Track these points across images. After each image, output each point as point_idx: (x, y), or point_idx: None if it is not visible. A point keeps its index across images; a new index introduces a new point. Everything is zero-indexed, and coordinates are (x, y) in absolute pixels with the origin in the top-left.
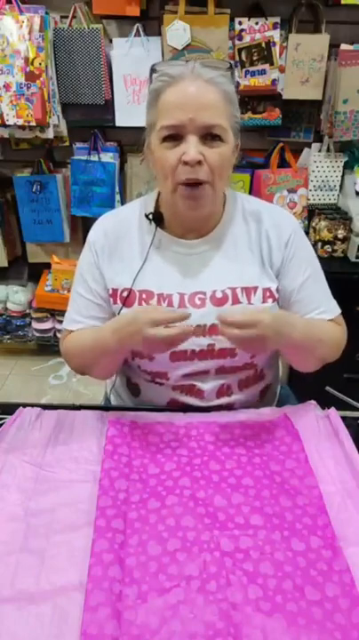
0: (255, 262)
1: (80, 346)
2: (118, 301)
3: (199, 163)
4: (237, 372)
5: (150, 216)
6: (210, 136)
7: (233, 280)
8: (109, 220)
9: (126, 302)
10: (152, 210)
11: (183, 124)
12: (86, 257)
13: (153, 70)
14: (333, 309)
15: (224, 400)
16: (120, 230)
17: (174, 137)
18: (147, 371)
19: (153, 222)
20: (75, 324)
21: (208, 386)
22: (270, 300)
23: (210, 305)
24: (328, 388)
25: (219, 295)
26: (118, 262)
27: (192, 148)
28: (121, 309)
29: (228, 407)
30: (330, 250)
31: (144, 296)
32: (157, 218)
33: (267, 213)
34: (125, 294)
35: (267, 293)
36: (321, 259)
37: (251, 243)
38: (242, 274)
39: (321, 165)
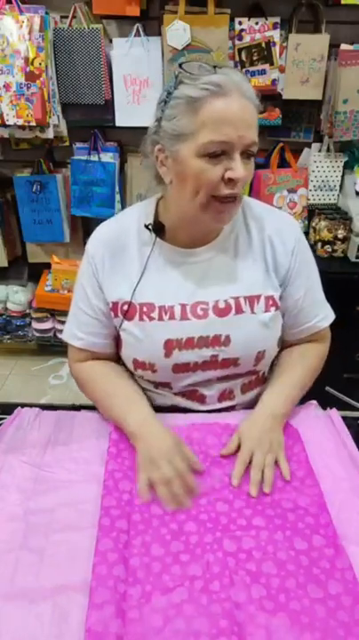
0: (258, 269)
1: (91, 388)
2: (119, 314)
3: (238, 179)
4: (241, 378)
5: (150, 226)
6: (247, 153)
7: (236, 289)
8: (107, 230)
9: (127, 315)
10: (151, 220)
11: (233, 141)
12: (86, 269)
13: (182, 72)
14: (329, 315)
15: (226, 403)
16: (118, 241)
17: (217, 153)
18: (150, 380)
19: (152, 232)
20: (77, 340)
21: (211, 392)
22: (273, 309)
23: (212, 315)
24: (328, 388)
25: (221, 305)
26: (117, 275)
27: (238, 165)
28: (122, 323)
29: (230, 409)
30: (330, 250)
31: (145, 309)
32: (157, 228)
33: (269, 219)
34: (126, 307)
35: (270, 302)
36: (321, 259)
37: (254, 249)
38: (245, 282)
39: (321, 165)
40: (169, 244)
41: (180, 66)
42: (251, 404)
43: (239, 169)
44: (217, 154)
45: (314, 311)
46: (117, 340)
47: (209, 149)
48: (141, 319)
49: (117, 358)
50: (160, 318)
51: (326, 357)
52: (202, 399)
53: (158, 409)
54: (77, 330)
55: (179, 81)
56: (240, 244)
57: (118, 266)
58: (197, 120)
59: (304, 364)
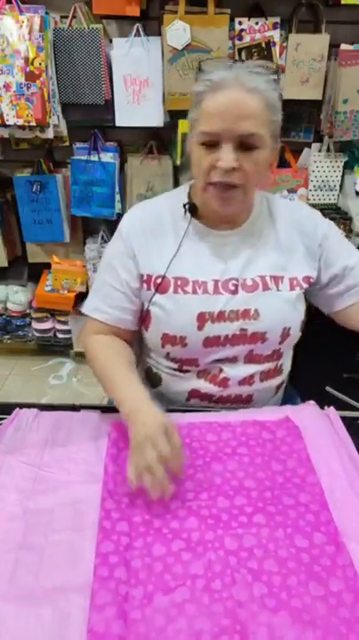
0: (283, 254)
1: (94, 362)
2: (152, 287)
3: (234, 169)
4: (263, 362)
5: (186, 206)
6: (246, 144)
7: (263, 269)
8: (141, 209)
9: (159, 289)
10: (186, 200)
11: (220, 132)
12: (117, 246)
13: (200, 70)
14: None
15: (245, 389)
16: (152, 218)
17: (211, 142)
18: (177, 358)
19: (188, 212)
20: (100, 313)
21: (234, 372)
22: (298, 289)
23: (242, 291)
24: (328, 388)
25: (249, 282)
26: (152, 250)
27: (226, 155)
28: (153, 297)
29: (246, 400)
30: None
31: (179, 282)
32: (191, 208)
33: (297, 210)
34: (159, 281)
35: (294, 282)
36: None
37: (278, 237)
38: (270, 264)
39: (321, 165)
40: (202, 224)
41: (200, 64)
42: (265, 397)
43: (226, 158)
44: (209, 143)
45: None
46: (141, 321)
47: (201, 139)
48: (175, 292)
49: (133, 342)
50: (194, 292)
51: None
52: (224, 383)
53: (170, 402)
54: (102, 303)
55: (196, 77)
56: (266, 229)
57: (153, 242)
58: (199, 112)
59: None
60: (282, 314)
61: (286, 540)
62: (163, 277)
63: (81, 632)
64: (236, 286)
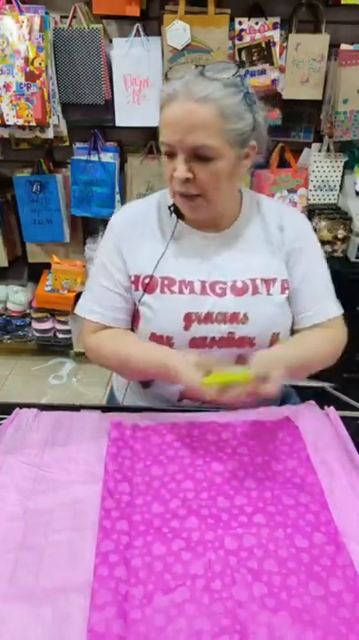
0: (274, 256)
1: (102, 353)
2: (140, 288)
3: (189, 179)
4: None
5: (172, 207)
6: (198, 155)
7: (253, 272)
8: (131, 209)
9: (147, 289)
10: (172, 201)
11: (173, 144)
12: (107, 245)
13: (166, 78)
14: (329, 311)
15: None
16: (141, 219)
17: (170, 152)
18: None
19: (174, 213)
20: (95, 314)
21: None
22: (287, 292)
23: (230, 294)
24: (328, 388)
25: (239, 285)
26: (140, 249)
27: (179, 166)
28: (142, 296)
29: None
30: (330, 250)
31: (166, 282)
32: (177, 209)
33: (285, 214)
34: (147, 281)
35: (285, 284)
36: None
37: (270, 239)
38: (261, 266)
39: (321, 165)
40: (189, 226)
41: (165, 74)
42: (257, 399)
43: (178, 169)
44: (168, 153)
45: (310, 302)
46: (134, 319)
47: (163, 149)
48: (162, 292)
49: None
50: (180, 291)
51: (342, 346)
52: None
53: (162, 402)
54: (95, 304)
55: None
56: (256, 232)
57: (141, 242)
58: (160, 121)
59: (312, 339)
60: (271, 319)
61: (286, 540)
62: (151, 277)
63: (81, 632)
64: (224, 289)
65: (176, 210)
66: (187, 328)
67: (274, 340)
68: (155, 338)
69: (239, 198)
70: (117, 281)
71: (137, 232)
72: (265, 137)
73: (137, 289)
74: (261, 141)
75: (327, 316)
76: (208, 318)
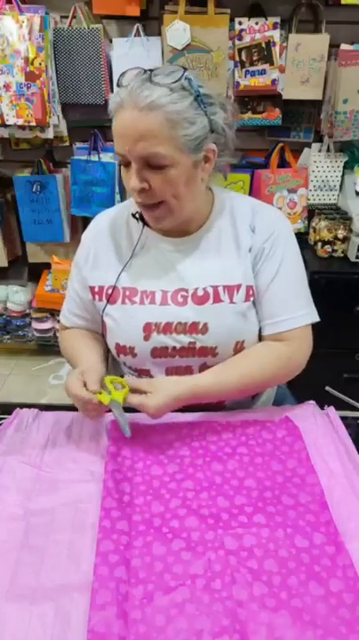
0: (242, 262)
1: (65, 350)
2: (103, 299)
3: (143, 189)
4: None
5: (137, 215)
6: (151, 164)
7: (215, 279)
8: (101, 219)
9: (110, 299)
10: (138, 209)
11: (124, 154)
12: (77, 255)
13: (118, 85)
14: (294, 320)
15: None
16: (111, 229)
17: (125, 162)
18: (133, 367)
19: (139, 221)
20: (64, 318)
21: None
22: (252, 298)
23: (191, 303)
24: (328, 388)
25: (200, 293)
26: (106, 261)
27: (132, 177)
28: (105, 307)
29: (219, 405)
30: (330, 250)
31: (127, 293)
32: (142, 217)
33: (258, 214)
34: (110, 292)
35: (251, 291)
36: (321, 259)
37: (239, 242)
38: (225, 272)
39: (321, 165)
40: (155, 232)
41: (118, 78)
42: (240, 402)
43: (132, 180)
44: (123, 163)
45: (274, 308)
46: (103, 328)
47: (119, 159)
48: (124, 302)
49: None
50: (141, 302)
51: (300, 361)
52: None
53: None
54: (66, 309)
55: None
56: (224, 236)
57: (109, 252)
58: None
59: (256, 355)
60: (232, 328)
61: (286, 539)
62: (114, 288)
63: (81, 632)
64: (185, 297)
65: (141, 217)
66: (146, 338)
67: (239, 347)
68: (120, 348)
69: (211, 201)
70: (77, 292)
71: (104, 244)
72: (231, 136)
73: (101, 299)
74: (227, 142)
75: (290, 325)
76: (167, 328)
